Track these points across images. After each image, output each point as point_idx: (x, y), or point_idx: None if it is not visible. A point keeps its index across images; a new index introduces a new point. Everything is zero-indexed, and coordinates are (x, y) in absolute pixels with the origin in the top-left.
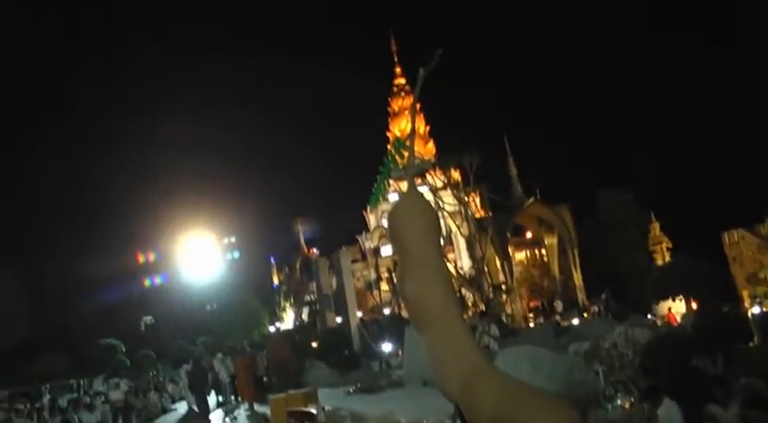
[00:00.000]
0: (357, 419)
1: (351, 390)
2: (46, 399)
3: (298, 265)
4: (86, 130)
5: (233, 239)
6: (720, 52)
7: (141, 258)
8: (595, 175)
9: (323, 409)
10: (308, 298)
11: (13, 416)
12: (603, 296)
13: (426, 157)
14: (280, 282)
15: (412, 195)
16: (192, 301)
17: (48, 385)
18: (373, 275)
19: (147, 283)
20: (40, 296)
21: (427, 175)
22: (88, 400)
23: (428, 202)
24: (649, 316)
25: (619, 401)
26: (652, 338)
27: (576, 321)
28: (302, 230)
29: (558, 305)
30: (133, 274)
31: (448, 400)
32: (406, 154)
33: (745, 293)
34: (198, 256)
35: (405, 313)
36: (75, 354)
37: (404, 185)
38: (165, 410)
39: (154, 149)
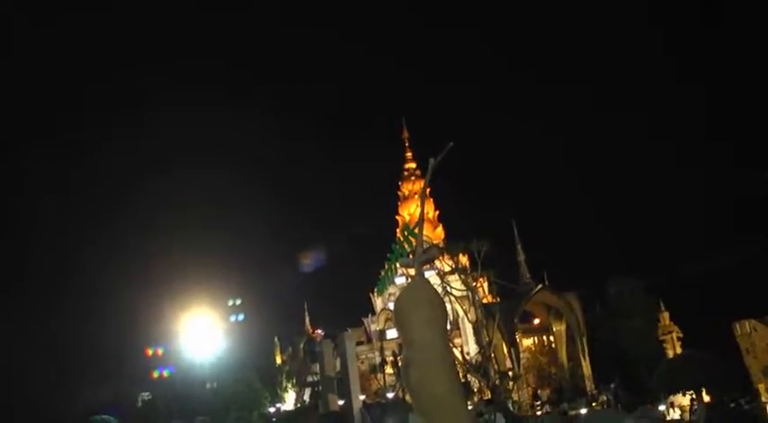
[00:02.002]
0: None
1: None
2: None
3: (302, 346)
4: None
5: (238, 302)
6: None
7: (150, 352)
8: (605, 263)
9: None
10: (310, 379)
11: None
12: (613, 386)
13: (435, 242)
14: (282, 361)
15: (419, 284)
16: (192, 379)
17: None
18: (378, 358)
19: (155, 374)
20: (33, 366)
21: (435, 261)
22: None
23: (435, 290)
24: (661, 407)
25: None
26: None
27: (583, 411)
28: (307, 307)
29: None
30: (143, 368)
31: None
32: (414, 240)
33: (761, 387)
34: (201, 334)
35: (409, 398)
36: None
37: (412, 272)
38: None
39: (157, 229)
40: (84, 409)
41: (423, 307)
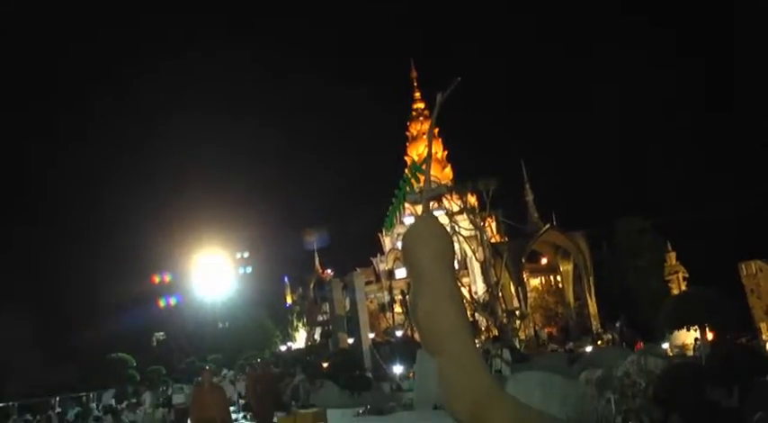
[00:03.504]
0: None
1: (360, 411)
2: (55, 411)
3: (312, 286)
4: (101, 154)
5: (246, 255)
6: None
7: (157, 279)
8: (613, 203)
9: None
10: (320, 318)
11: None
12: (618, 324)
13: (443, 182)
14: (293, 301)
15: (427, 219)
16: (204, 319)
17: (57, 398)
18: (387, 298)
19: (161, 303)
20: (55, 312)
21: (444, 200)
22: (97, 413)
23: (443, 225)
24: (665, 345)
25: None
26: (666, 368)
27: (589, 349)
28: (316, 247)
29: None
30: (148, 295)
31: None
32: (422, 178)
33: (763, 326)
34: (211, 274)
35: (417, 336)
36: (87, 367)
37: (419, 209)
38: None
39: (170, 171)
40: (100, 346)
41: (430, 242)
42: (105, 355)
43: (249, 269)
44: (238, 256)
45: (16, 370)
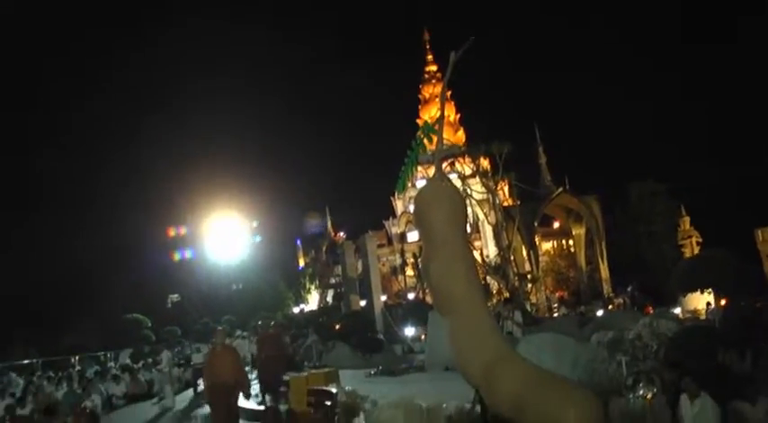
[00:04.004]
0: (377, 401)
1: (372, 372)
2: (75, 369)
3: (324, 249)
4: (124, 108)
5: (255, 224)
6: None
7: (172, 232)
8: (626, 167)
9: (343, 389)
10: (332, 281)
11: (44, 383)
12: (629, 289)
13: (455, 145)
14: (306, 264)
15: (439, 181)
16: (218, 281)
17: (77, 357)
18: (399, 261)
19: (176, 256)
20: (72, 271)
21: (456, 163)
22: (115, 372)
23: (455, 187)
24: (677, 310)
25: (641, 392)
26: (678, 331)
27: (600, 313)
28: (327, 209)
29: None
30: (163, 248)
31: (469, 385)
32: (434, 138)
33: None
34: (225, 236)
35: (429, 299)
36: (104, 327)
37: (431, 171)
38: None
39: (189, 131)
40: (117, 308)
41: (443, 203)
42: (121, 317)
43: (258, 238)
44: (249, 225)
45: (39, 331)
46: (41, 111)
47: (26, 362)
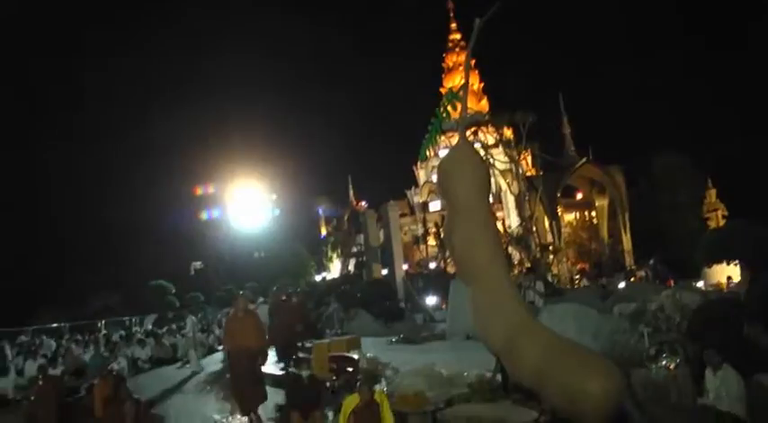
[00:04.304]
0: (398, 368)
1: (393, 340)
2: (101, 333)
3: (346, 217)
4: (149, 75)
5: (274, 196)
6: None
7: (199, 191)
8: (652, 138)
9: (365, 356)
10: (354, 249)
11: (73, 346)
12: (652, 261)
13: (480, 113)
14: (327, 233)
15: (463, 148)
16: (240, 249)
17: (103, 321)
18: (420, 230)
19: (203, 215)
20: (96, 239)
21: (479, 132)
22: (140, 336)
23: (479, 154)
24: (699, 283)
25: (663, 362)
26: (702, 303)
27: (621, 285)
28: (350, 178)
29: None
30: (186, 216)
31: (490, 354)
32: (458, 106)
33: None
34: (247, 204)
35: (450, 268)
36: (128, 293)
37: (455, 140)
38: (212, 350)
39: (214, 101)
40: (141, 274)
41: (466, 171)
42: (146, 283)
43: (277, 211)
44: (270, 195)
45: (67, 295)
46: (67, 76)
47: (55, 325)
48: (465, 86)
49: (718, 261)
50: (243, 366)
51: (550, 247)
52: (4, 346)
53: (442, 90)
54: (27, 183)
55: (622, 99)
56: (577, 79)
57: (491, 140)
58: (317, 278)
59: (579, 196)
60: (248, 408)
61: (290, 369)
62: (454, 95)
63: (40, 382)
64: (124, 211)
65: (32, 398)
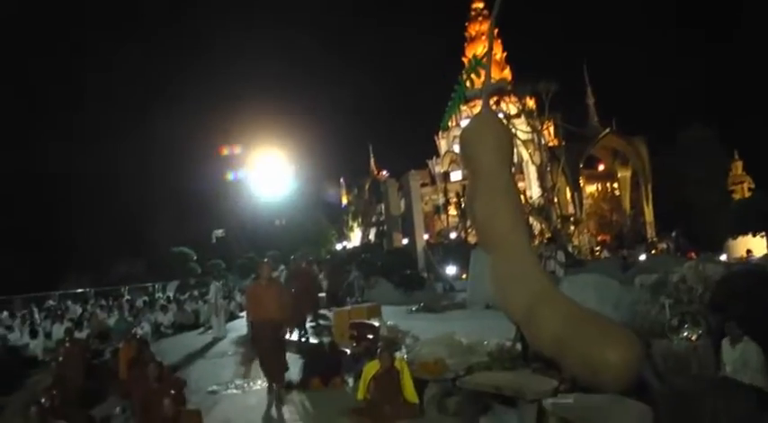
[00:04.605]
0: (418, 336)
1: (413, 308)
2: (125, 299)
3: (367, 187)
4: (170, 41)
5: (296, 165)
6: None
7: (225, 151)
8: (676, 110)
9: (385, 323)
10: (375, 219)
11: (98, 311)
12: (674, 234)
13: (503, 80)
14: (348, 202)
15: (486, 115)
16: (261, 217)
17: (126, 287)
18: (442, 200)
19: (228, 176)
20: (118, 207)
21: (502, 102)
22: (163, 302)
23: (502, 121)
24: (722, 257)
25: (685, 333)
26: (726, 275)
27: (642, 257)
28: (371, 148)
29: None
30: (208, 182)
31: (510, 322)
32: (482, 73)
33: None
34: (269, 172)
35: (471, 238)
36: (151, 260)
37: (477, 109)
38: (234, 316)
39: (236, 71)
40: (164, 242)
41: (489, 137)
42: (168, 250)
43: (297, 182)
44: (292, 164)
45: (91, 262)
46: (93, 44)
47: (80, 291)
48: (489, 53)
49: (743, 233)
50: (266, 336)
51: (571, 219)
52: (33, 310)
53: (465, 59)
54: (52, 149)
55: (648, 69)
56: (602, 49)
57: (513, 110)
58: (338, 247)
59: (601, 167)
60: (272, 378)
61: (307, 336)
62: (478, 62)
63: (67, 345)
64: (146, 179)
65: (60, 359)
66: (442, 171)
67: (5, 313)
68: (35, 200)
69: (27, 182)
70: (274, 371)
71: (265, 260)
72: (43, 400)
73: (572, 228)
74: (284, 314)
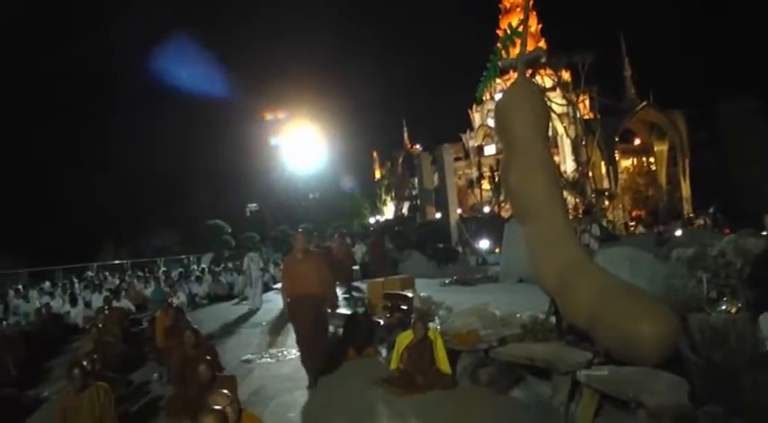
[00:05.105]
0: (451, 308)
1: (446, 281)
2: (161, 270)
3: (400, 160)
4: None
5: (329, 139)
6: None
7: (268, 116)
8: (717, 82)
9: (419, 295)
10: (408, 193)
11: (134, 281)
12: (711, 210)
13: (539, 48)
14: (382, 176)
15: (522, 84)
16: (294, 190)
17: (162, 259)
18: (475, 174)
19: (271, 141)
20: (155, 176)
21: (537, 75)
22: (198, 273)
23: (539, 91)
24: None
25: (724, 306)
26: (767, 248)
27: (678, 233)
28: (405, 122)
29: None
30: (243, 156)
31: (544, 294)
32: (518, 42)
33: None
34: (303, 146)
35: (504, 213)
36: (185, 232)
37: (512, 80)
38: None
39: (269, 44)
40: (199, 215)
41: (525, 107)
42: (203, 223)
43: (329, 155)
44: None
45: (128, 235)
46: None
47: (117, 262)
48: (525, 22)
49: None
50: (306, 315)
51: (606, 193)
52: (73, 280)
53: (499, 32)
54: (91, 124)
55: (687, 40)
56: (640, 18)
57: (548, 83)
58: (371, 220)
59: (637, 141)
60: (310, 360)
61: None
62: (514, 31)
63: (107, 312)
64: (180, 153)
65: (100, 325)
66: (475, 145)
67: (47, 283)
68: (74, 175)
69: (67, 158)
70: (313, 352)
71: (299, 231)
72: (85, 363)
73: (606, 202)
74: (324, 289)
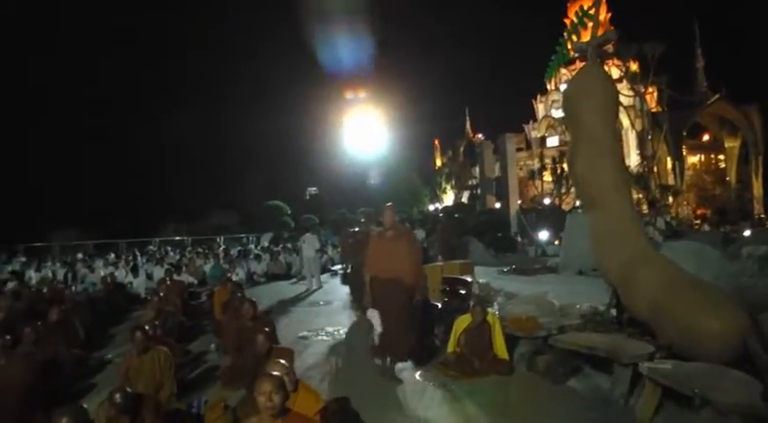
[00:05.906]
0: (510, 295)
1: (504, 270)
2: (221, 248)
3: (462, 149)
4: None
5: (390, 126)
6: None
7: (348, 94)
8: None
9: (477, 281)
10: (469, 181)
11: (194, 257)
12: None
13: (610, 31)
14: (443, 163)
15: (592, 69)
16: (354, 175)
17: (221, 237)
18: (537, 165)
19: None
20: (216, 157)
21: (604, 66)
22: (257, 252)
23: (609, 76)
24: None
25: None
26: None
27: (747, 233)
28: (467, 111)
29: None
30: (304, 142)
31: (605, 284)
32: (589, 25)
33: None
34: (364, 132)
35: (565, 206)
36: (244, 212)
37: (579, 69)
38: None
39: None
40: (259, 196)
41: (594, 92)
42: (262, 204)
43: (391, 143)
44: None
45: (189, 214)
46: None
47: (178, 238)
48: (597, 3)
49: None
50: (390, 303)
51: (671, 189)
52: (136, 253)
53: (566, 20)
54: (154, 106)
55: (765, 30)
56: (715, 7)
57: (616, 74)
58: (431, 207)
59: (706, 137)
60: (391, 353)
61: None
62: (586, 13)
63: (168, 283)
64: (241, 135)
65: (161, 295)
66: (538, 136)
67: (112, 255)
68: (137, 156)
69: (131, 141)
70: (397, 349)
71: (389, 204)
72: (147, 328)
73: (671, 199)
74: (416, 276)
